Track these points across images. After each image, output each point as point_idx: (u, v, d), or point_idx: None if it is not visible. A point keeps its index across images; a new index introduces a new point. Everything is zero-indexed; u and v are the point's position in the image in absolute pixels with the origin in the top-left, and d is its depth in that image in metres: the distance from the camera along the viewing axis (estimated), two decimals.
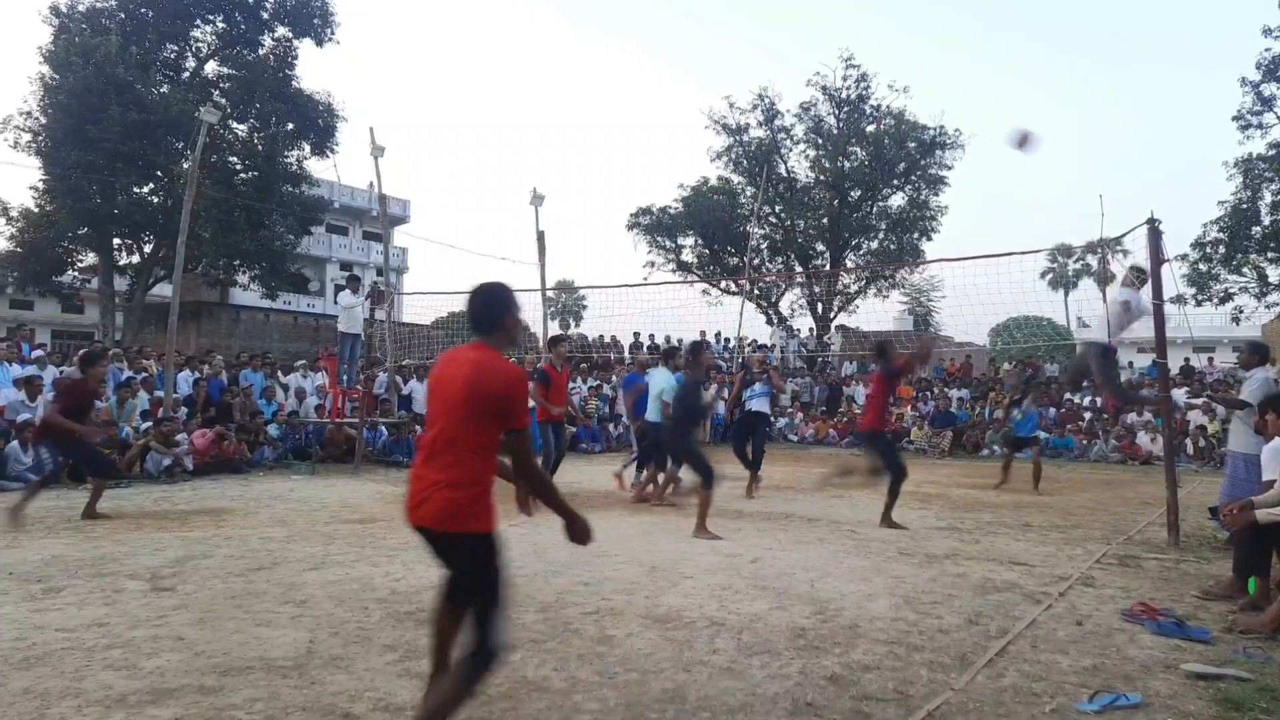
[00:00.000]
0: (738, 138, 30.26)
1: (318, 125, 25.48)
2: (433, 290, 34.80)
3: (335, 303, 16.00)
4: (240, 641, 4.01)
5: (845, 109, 29.28)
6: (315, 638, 4.09)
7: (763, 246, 31.22)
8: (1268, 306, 21.60)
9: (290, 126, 25.22)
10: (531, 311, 14.70)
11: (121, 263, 25.35)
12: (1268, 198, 20.31)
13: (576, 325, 49.87)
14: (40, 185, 23.50)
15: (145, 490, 9.77)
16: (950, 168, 29.20)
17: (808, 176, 30.66)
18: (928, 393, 21.18)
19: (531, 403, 8.43)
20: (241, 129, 25.42)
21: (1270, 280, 20.84)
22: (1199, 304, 21.99)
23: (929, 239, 30.09)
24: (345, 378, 13.99)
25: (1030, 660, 3.94)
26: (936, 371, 23.83)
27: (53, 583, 5.10)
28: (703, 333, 24.78)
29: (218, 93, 24.41)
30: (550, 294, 21.25)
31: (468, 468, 2.80)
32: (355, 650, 3.91)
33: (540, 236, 15.90)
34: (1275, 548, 5.07)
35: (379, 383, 15.47)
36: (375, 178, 14.83)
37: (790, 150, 30.50)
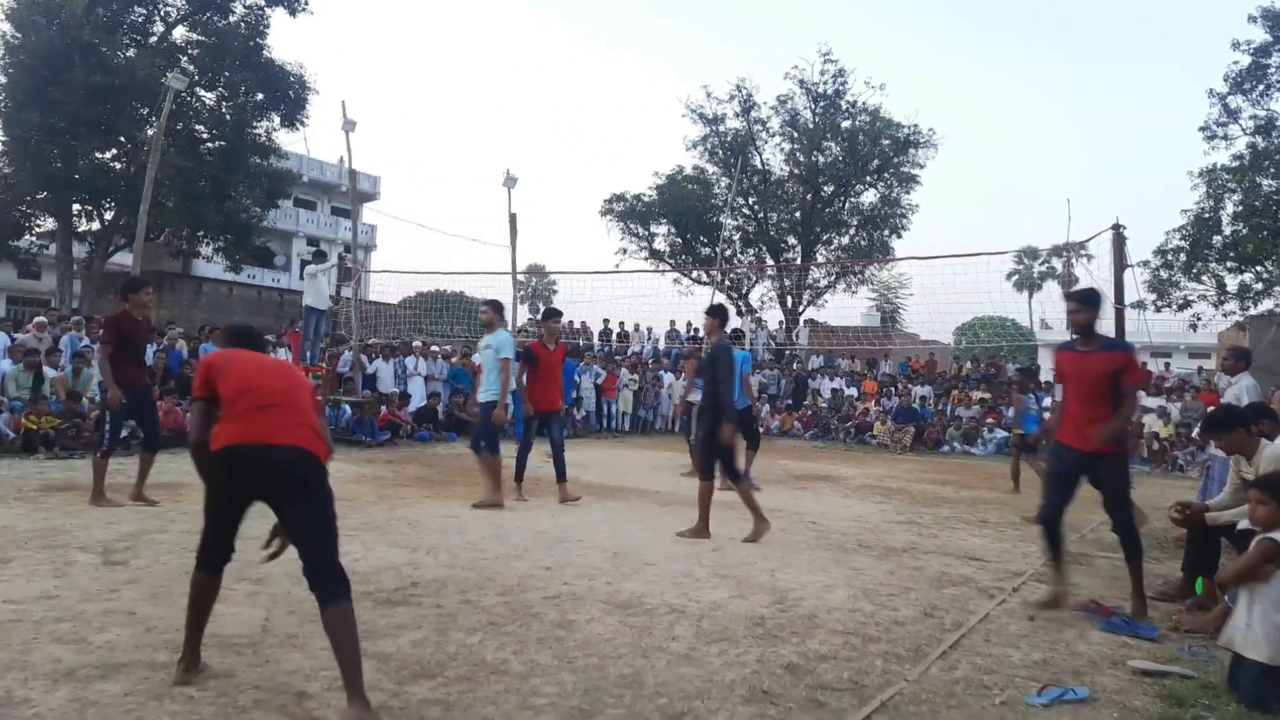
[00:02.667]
0: (714, 128, 30.29)
1: (288, 96, 24.99)
2: (401, 269, 34.48)
3: (300, 278, 15.78)
4: None
5: (821, 104, 29.39)
6: (271, 616, 4.05)
7: (735, 238, 31.32)
8: (1225, 315, 22.13)
9: (260, 97, 24.72)
10: (502, 295, 14.59)
11: (81, 229, 24.74)
12: (1229, 208, 20.77)
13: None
14: None
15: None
16: (923, 166, 29.54)
17: (782, 169, 30.81)
18: (891, 389, 21.44)
19: (514, 387, 8.24)
20: (209, 97, 24.88)
21: (1228, 289, 21.32)
22: (1158, 310, 22.45)
23: (899, 236, 30.43)
24: (309, 354, 13.79)
25: (983, 653, 4.01)
26: (900, 368, 24.12)
27: (1, 553, 4.98)
28: (673, 322, 24.82)
29: (186, 59, 23.84)
30: (520, 277, 21.14)
31: None
32: (312, 629, 3.86)
33: (512, 219, 15.80)
34: (1227, 548, 5.21)
35: (343, 361, 15.31)
36: (346, 152, 14.67)
37: (766, 142, 30.61)
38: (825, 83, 29.11)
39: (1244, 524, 4.87)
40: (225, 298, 29.93)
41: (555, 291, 51.21)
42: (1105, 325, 8.36)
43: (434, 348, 17.40)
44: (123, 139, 22.81)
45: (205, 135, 24.88)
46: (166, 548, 5.39)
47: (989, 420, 18.93)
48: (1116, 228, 7.67)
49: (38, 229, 24.86)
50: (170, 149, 19.76)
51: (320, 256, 14.76)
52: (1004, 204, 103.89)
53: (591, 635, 4.00)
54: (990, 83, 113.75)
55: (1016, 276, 57.51)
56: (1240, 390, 7.16)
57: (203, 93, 24.40)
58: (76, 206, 24.18)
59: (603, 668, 3.55)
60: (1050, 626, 4.52)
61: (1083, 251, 15.23)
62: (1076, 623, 4.60)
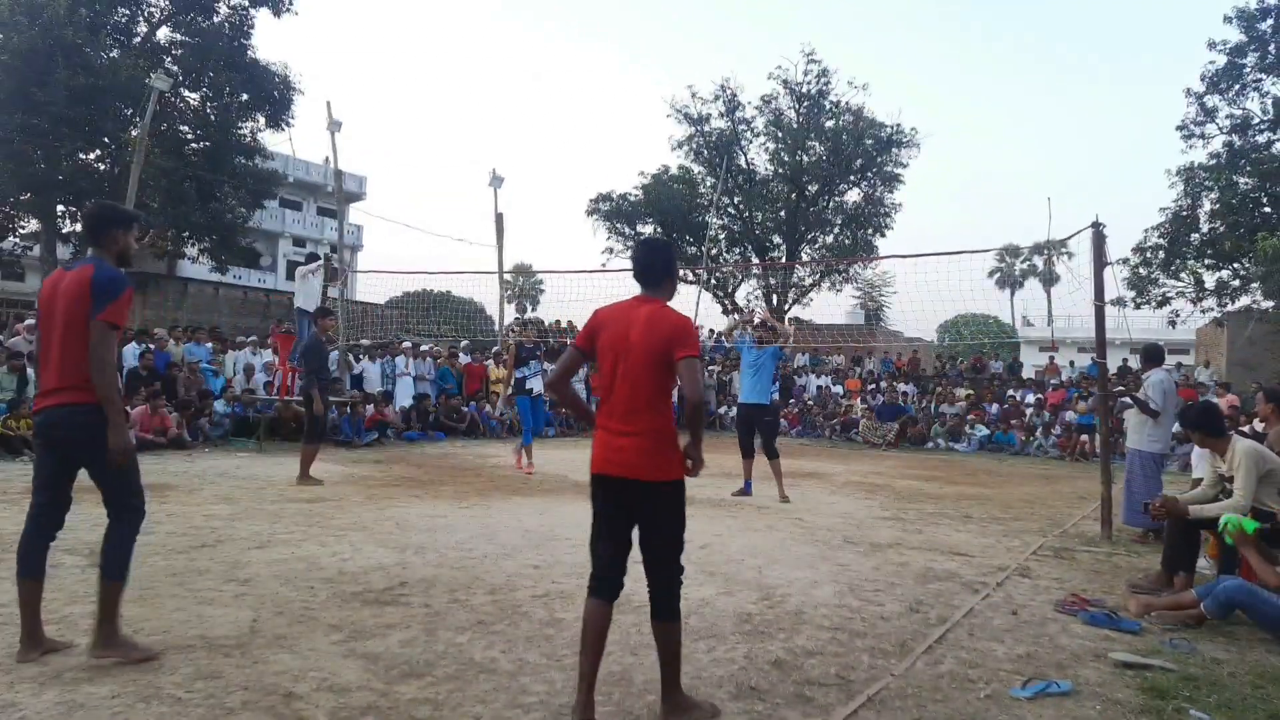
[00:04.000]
0: (699, 127, 30.32)
1: (273, 97, 24.84)
2: (388, 270, 34.36)
3: (288, 278, 15.72)
4: (181, 619, 3.95)
5: (805, 103, 29.49)
6: (259, 617, 4.05)
7: (721, 237, 31.38)
8: (1203, 311, 22.36)
9: (244, 97, 24.56)
10: (488, 294, 14.58)
11: (65, 230, 24.51)
12: (1206, 206, 20.98)
13: (533, 309, 49.68)
14: None
15: None
16: (905, 165, 29.67)
17: (767, 169, 30.88)
18: (876, 386, 21.56)
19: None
20: (194, 98, 24.69)
21: (1206, 286, 21.55)
22: (1138, 307, 22.65)
23: (883, 235, 30.55)
24: (299, 355, 13.73)
25: (967, 648, 4.06)
26: (885, 366, 24.24)
27: None
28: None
29: (170, 59, 23.66)
30: (507, 277, 21.12)
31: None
32: (300, 630, 3.88)
33: (499, 219, 15.80)
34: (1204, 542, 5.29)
35: (330, 361, 15.24)
36: (331, 152, 14.61)
37: (750, 142, 30.68)
38: (809, 83, 29.23)
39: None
40: (211, 299, 29.71)
41: (542, 291, 51.21)
42: (1085, 323, 8.46)
43: (422, 347, 17.36)
44: (106, 140, 22.61)
45: (190, 136, 24.70)
46: (153, 550, 5.36)
47: (971, 417, 19.08)
48: (1096, 225, 7.75)
49: (22, 230, 24.60)
50: (154, 150, 19.61)
51: (312, 258, 14.71)
52: (986, 202, 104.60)
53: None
54: (972, 83, 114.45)
55: (999, 274, 57.89)
56: (1154, 387, 7.38)
57: (187, 93, 24.23)
58: (60, 208, 23.95)
59: None
60: (1034, 620, 4.58)
61: (1063, 249, 15.36)
62: (1059, 617, 4.66)
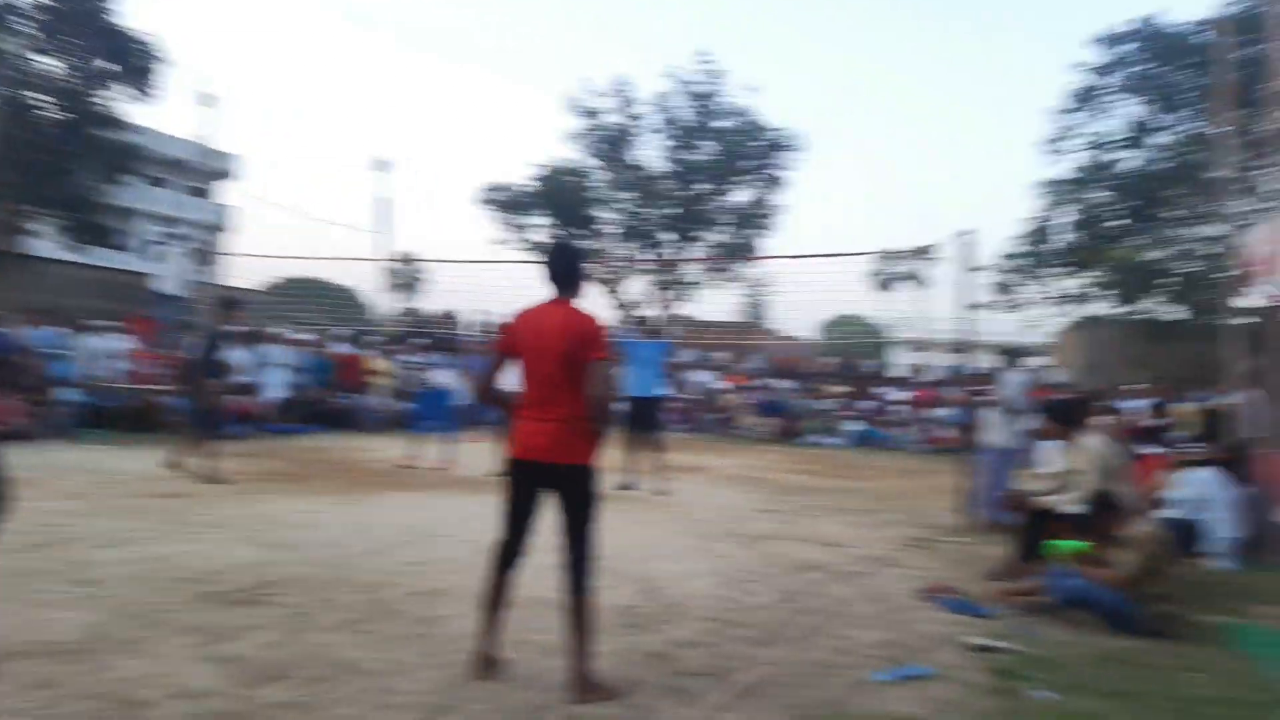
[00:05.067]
0: (593, 121, 30.26)
1: (138, 66, 23.20)
2: (263, 253, 32.80)
3: (153, 260, 14.77)
4: (18, 624, 3.64)
5: (698, 103, 29.87)
6: (106, 620, 3.78)
7: (613, 231, 31.44)
8: (1061, 316, 23.94)
9: (106, 65, 22.85)
10: (368, 282, 14.10)
11: None
12: (1065, 217, 22.47)
13: (416, 299, 48.37)
14: None
15: None
16: (791, 169, 30.47)
17: (660, 166, 31.11)
18: (758, 382, 22.13)
19: None
20: (49, 63, 22.79)
21: (1062, 292, 23.08)
22: (1000, 311, 24.05)
23: (769, 235, 31.30)
24: (159, 340, 12.92)
25: (836, 635, 4.21)
26: (764, 361, 24.89)
27: None
28: None
29: (19, 19, 21.76)
30: (390, 265, 20.51)
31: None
32: (152, 633, 3.65)
33: (384, 204, 15.32)
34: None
35: (196, 348, 14.41)
36: (202, 128, 13.78)
37: (644, 138, 30.84)
38: (702, 83, 29.61)
39: (1070, 509, 5.32)
40: (66, 279, 27.53)
41: (426, 280, 49.90)
42: (952, 323, 8.94)
43: (297, 336, 16.65)
44: None
45: (43, 104, 22.78)
46: None
47: (846, 413, 19.86)
48: (966, 233, 8.18)
49: None
50: (4, 117, 18.02)
51: (177, 239, 13.83)
52: (865, 208, 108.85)
53: (456, 631, 3.94)
54: (855, 95, 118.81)
55: (875, 277, 60.27)
56: (1009, 386, 7.97)
57: (40, 58, 22.34)
58: None
59: (467, 664, 3.51)
60: (898, 608, 4.80)
61: (935, 255, 16.14)
62: (921, 604, 4.90)
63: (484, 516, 6.95)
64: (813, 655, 3.88)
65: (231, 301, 9.13)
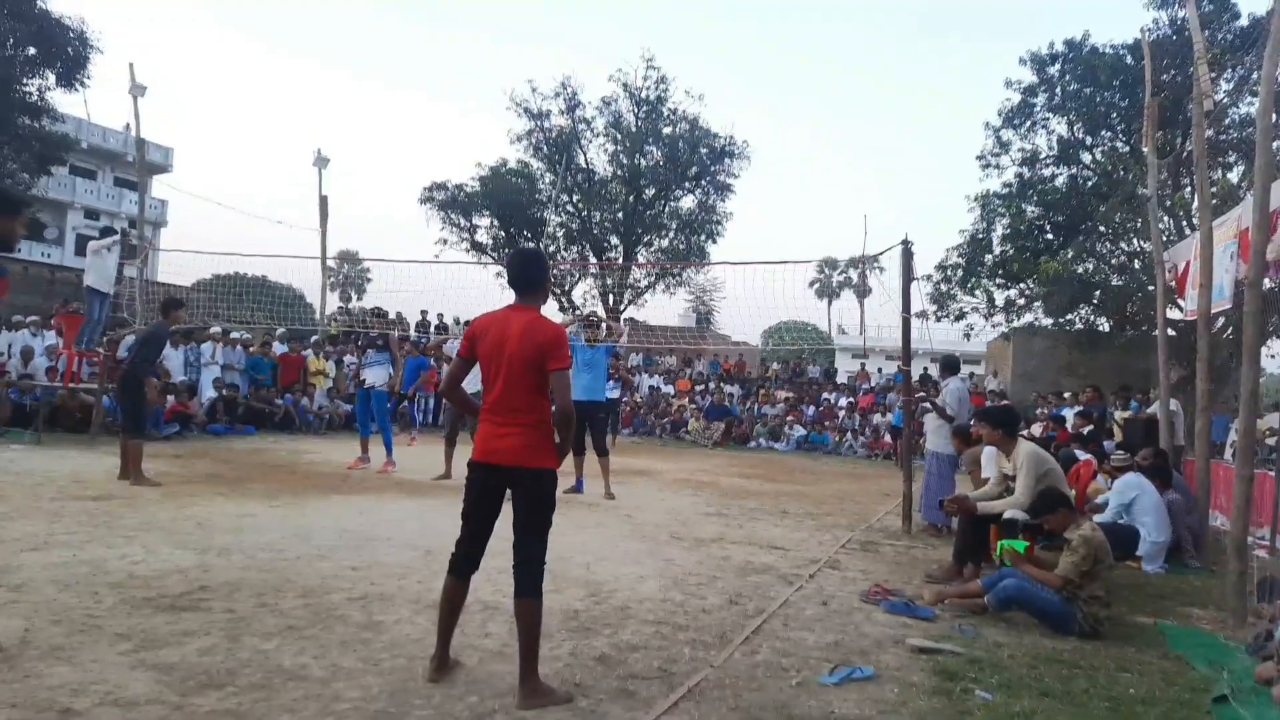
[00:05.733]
0: (539, 123, 30.11)
1: (65, 53, 22.32)
2: (196, 249, 31.85)
3: (79, 254, 14.19)
4: None
5: (644, 108, 29.97)
6: (32, 626, 3.62)
7: (559, 234, 31.34)
8: (993, 326, 24.59)
9: (32, 51, 21.94)
10: (310, 280, 13.82)
11: None
12: (999, 230, 23.09)
13: (359, 299, 47.57)
14: None
15: None
16: (737, 176, 30.75)
17: (606, 169, 31.13)
18: (704, 387, 22.26)
19: None
20: None
21: (996, 303, 23.70)
22: (938, 319, 24.58)
23: (714, 241, 31.53)
24: (87, 338, 12.40)
25: (782, 637, 4.25)
26: (713, 367, 25.06)
27: None
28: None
29: None
30: (331, 263, 20.07)
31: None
32: (81, 640, 3.50)
33: (323, 201, 15.03)
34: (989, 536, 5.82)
35: (124, 346, 13.90)
36: (133, 119, 13.35)
37: (590, 142, 30.80)
38: (648, 88, 29.73)
39: (1010, 514, 5.47)
40: None
41: (369, 280, 49.07)
42: (893, 333, 9.11)
43: (232, 334, 16.19)
44: None
45: None
46: None
47: (790, 418, 20.10)
48: (905, 243, 8.36)
49: None
50: None
51: (107, 232, 13.28)
52: (808, 216, 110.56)
53: (400, 636, 3.88)
54: (800, 105, 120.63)
55: (818, 284, 61.28)
56: (951, 394, 8.18)
57: None
58: None
59: (411, 669, 3.46)
60: (842, 610, 4.87)
61: (875, 264, 16.47)
62: (864, 606, 4.98)
63: (425, 520, 6.90)
64: (759, 658, 3.91)
65: (174, 303, 8.83)
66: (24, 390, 12.10)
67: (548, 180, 30.41)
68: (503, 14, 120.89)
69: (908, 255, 8.32)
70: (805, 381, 23.80)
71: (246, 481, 8.59)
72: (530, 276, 3.50)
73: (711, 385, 22.34)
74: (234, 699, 3.03)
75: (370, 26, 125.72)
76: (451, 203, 30.33)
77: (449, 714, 3.07)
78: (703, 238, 31.34)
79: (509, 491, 3.40)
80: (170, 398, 12.84)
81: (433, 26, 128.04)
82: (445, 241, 30.67)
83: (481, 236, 31.29)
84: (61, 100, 23.07)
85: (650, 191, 30.66)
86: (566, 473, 9.22)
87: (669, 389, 22.78)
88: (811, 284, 59.45)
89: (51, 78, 22.55)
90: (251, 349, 16.17)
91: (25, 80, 22.05)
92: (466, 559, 3.46)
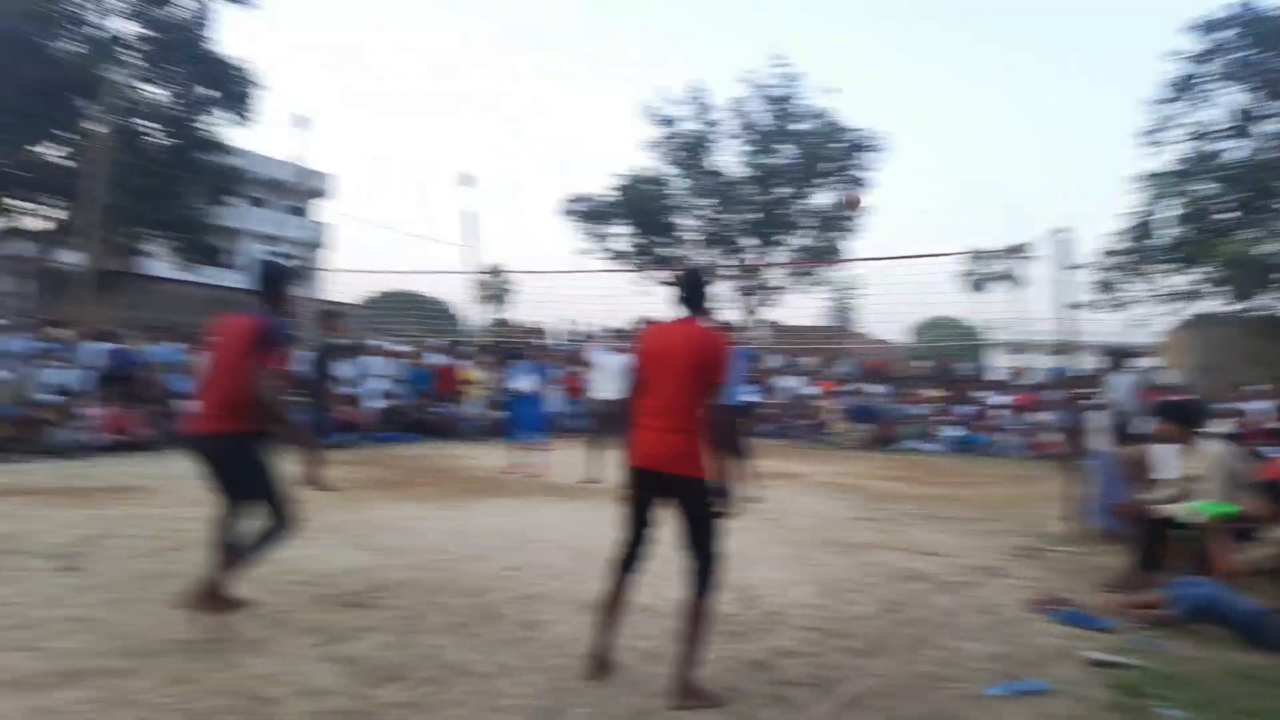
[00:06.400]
0: (670, 129, 30.37)
1: (237, 92, 24.45)
2: (357, 269, 34.01)
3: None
4: (153, 624, 3.87)
5: (775, 106, 29.66)
6: (234, 620, 3.98)
7: (694, 238, 31.47)
8: (1165, 314, 22.81)
9: (208, 92, 24.17)
10: (458, 294, 14.46)
11: (28, 228, 23.92)
12: (1169, 211, 21.42)
13: (506, 310, 49.37)
14: None
15: (49, 466, 9.31)
16: (874, 170, 29.92)
17: (738, 171, 31.01)
18: (847, 388, 21.74)
19: None
20: (155, 92, 24.24)
21: (1168, 290, 21.98)
22: (1103, 310, 23.04)
23: (853, 238, 30.80)
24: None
25: (942, 647, 4.10)
26: (854, 366, 24.46)
27: None
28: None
29: (129, 52, 23.21)
30: (479, 277, 21.02)
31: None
32: (275, 633, 3.83)
33: (469, 218, 15.70)
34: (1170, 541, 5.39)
35: (301, 361, 15.04)
36: (298, 149, 14.38)
37: (721, 144, 30.79)
38: (779, 86, 29.40)
39: (1190, 518, 5.06)
40: (176, 297, 29.16)
41: (514, 291, 50.85)
42: (1052, 324, 8.61)
43: (394, 348, 17.21)
44: (67, 134, 22.13)
45: (151, 131, 24.22)
46: (122, 552, 5.28)
47: (940, 417, 19.31)
48: (1061, 230, 7.89)
49: None
50: (116, 145, 19.26)
51: (280, 256, 14.46)
52: (955, 207, 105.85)
53: (558, 635, 4.01)
54: (941, 91, 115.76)
55: (967, 277, 58.53)
56: (1118, 389, 7.58)
57: (149, 87, 23.79)
58: (23, 204, 23.39)
59: (571, 668, 3.57)
60: (1007, 620, 4.64)
61: (1029, 253, 15.57)
62: (1032, 616, 4.73)
63: (575, 522, 7.09)
64: (918, 667, 3.79)
65: (334, 315, 9.53)
66: None
67: (681, 185, 30.59)
68: (634, 22, 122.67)
69: (1064, 242, 7.85)
70: (956, 379, 22.82)
71: (411, 486, 9.11)
72: (697, 293, 3.68)
73: (855, 385, 21.79)
74: (409, 692, 3.22)
75: (507, 49, 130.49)
76: (590, 213, 31.05)
77: (608, 713, 3.15)
78: (840, 234, 30.66)
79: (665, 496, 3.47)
80: (343, 407, 13.78)
81: (568, 40, 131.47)
82: (585, 251, 31.47)
83: (619, 245, 31.87)
84: (234, 135, 25.27)
85: (784, 190, 30.28)
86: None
87: (811, 390, 22.38)
88: (960, 276, 56.87)
89: (225, 115, 24.75)
90: (411, 361, 17.13)
91: (203, 119, 24.31)
92: (629, 560, 3.55)
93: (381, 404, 15.19)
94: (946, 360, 25.44)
